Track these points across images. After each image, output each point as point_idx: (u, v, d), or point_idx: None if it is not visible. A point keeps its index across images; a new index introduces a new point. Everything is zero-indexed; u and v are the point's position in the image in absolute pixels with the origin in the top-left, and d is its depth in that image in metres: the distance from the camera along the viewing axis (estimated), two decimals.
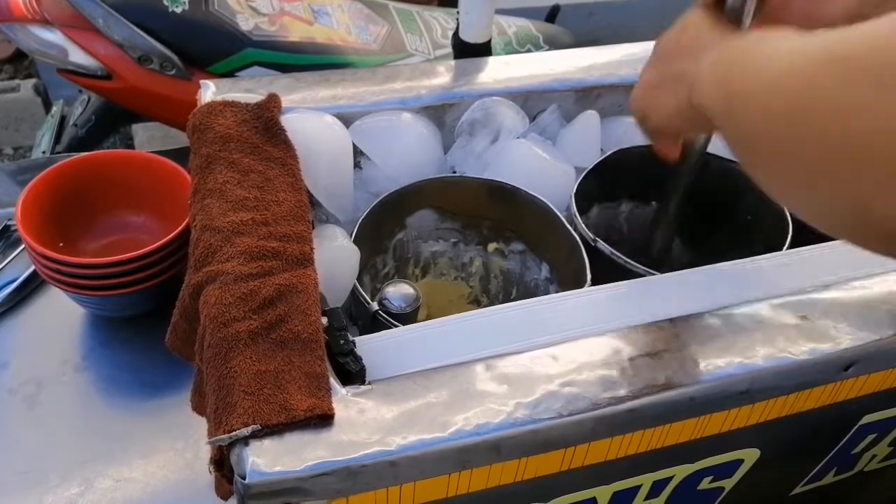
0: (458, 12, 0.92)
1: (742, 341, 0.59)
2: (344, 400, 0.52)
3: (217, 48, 1.28)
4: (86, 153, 0.87)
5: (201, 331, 0.56)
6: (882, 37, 0.34)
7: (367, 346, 0.57)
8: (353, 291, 0.69)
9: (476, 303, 0.88)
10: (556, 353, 0.57)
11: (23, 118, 2.15)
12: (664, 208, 0.77)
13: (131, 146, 2.02)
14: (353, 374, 0.54)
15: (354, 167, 0.78)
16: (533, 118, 0.87)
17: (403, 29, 1.44)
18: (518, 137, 0.83)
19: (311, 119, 0.75)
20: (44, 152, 1.61)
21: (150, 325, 0.81)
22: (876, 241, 0.38)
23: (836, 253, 0.69)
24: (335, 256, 0.68)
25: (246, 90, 0.77)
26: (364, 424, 0.50)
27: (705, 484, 0.68)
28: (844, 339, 0.60)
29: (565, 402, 0.53)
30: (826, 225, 0.40)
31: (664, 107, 0.54)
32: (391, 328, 0.63)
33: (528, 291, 0.83)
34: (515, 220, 0.81)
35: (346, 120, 0.78)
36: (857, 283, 0.65)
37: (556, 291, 0.78)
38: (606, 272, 0.68)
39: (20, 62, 2.34)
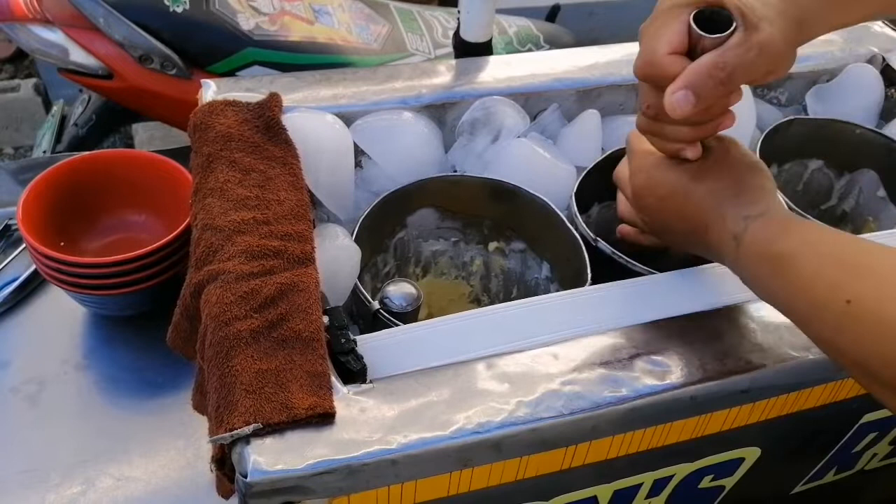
0: (458, 12, 0.92)
1: (743, 340, 0.59)
2: (345, 399, 0.52)
3: (218, 47, 1.28)
4: (87, 152, 0.87)
5: (202, 330, 0.56)
6: None
7: (368, 344, 0.57)
8: (354, 290, 0.69)
9: (477, 302, 0.88)
10: (557, 351, 0.57)
11: (23, 118, 2.15)
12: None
13: (131, 145, 2.02)
14: (354, 372, 0.54)
15: (355, 166, 0.78)
16: (534, 117, 0.87)
17: (404, 28, 1.44)
18: (519, 137, 0.83)
19: (312, 118, 0.75)
20: (44, 152, 1.61)
21: (151, 324, 0.82)
22: None
23: None
24: (336, 255, 0.68)
25: (247, 89, 0.77)
26: (365, 423, 0.50)
27: (706, 482, 0.68)
28: None
29: (566, 401, 0.53)
30: None
31: (678, 244, 0.64)
32: (392, 327, 0.63)
33: (529, 290, 0.83)
34: (516, 219, 0.81)
35: (347, 119, 0.78)
36: None
37: (557, 290, 0.78)
38: (607, 271, 0.69)
39: (20, 62, 2.34)
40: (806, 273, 0.48)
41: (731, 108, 0.58)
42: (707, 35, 0.52)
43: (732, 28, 0.51)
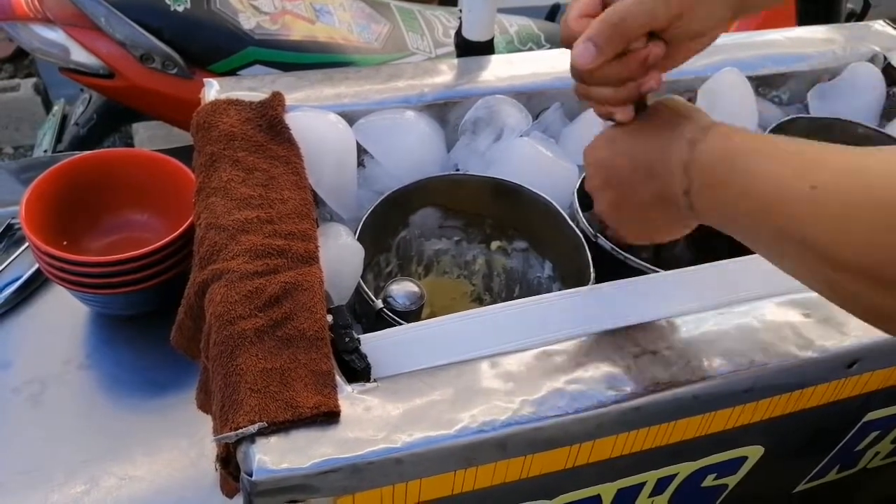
0: (460, 10, 0.92)
1: (746, 338, 0.59)
2: (350, 397, 0.52)
3: (219, 47, 1.28)
4: (88, 152, 0.87)
5: (207, 329, 0.56)
6: None
7: (372, 343, 0.57)
8: (358, 289, 0.69)
9: (479, 301, 0.88)
10: (561, 350, 0.57)
11: (23, 117, 2.15)
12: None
13: (132, 145, 2.01)
14: (358, 371, 0.55)
15: (358, 165, 0.79)
16: (536, 116, 0.87)
17: (405, 27, 1.44)
18: (521, 135, 0.83)
19: (315, 117, 0.75)
20: (45, 151, 1.61)
21: (154, 323, 0.82)
22: None
23: None
24: (340, 254, 0.68)
25: (249, 88, 0.77)
26: (370, 422, 0.51)
27: (709, 481, 0.68)
28: (848, 336, 0.60)
29: (570, 400, 0.53)
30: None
31: (653, 222, 0.58)
32: (396, 326, 0.63)
33: (531, 289, 0.83)
34: (518, 217, 0.81)
35: (350, 118, 0.78)
36: None
37: (559, 289, 0.78)
38: (610, 270, 0.69)
39: (20, 61, 2.34)
40: (767, 165, 0.46)
41: (658, 70, 0.55)
42: None
43: None
